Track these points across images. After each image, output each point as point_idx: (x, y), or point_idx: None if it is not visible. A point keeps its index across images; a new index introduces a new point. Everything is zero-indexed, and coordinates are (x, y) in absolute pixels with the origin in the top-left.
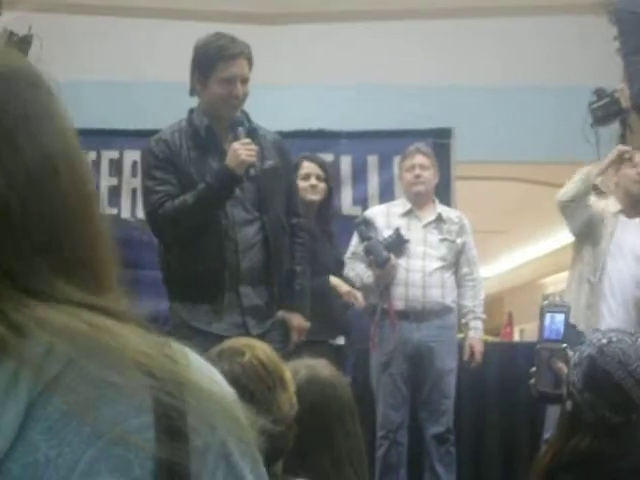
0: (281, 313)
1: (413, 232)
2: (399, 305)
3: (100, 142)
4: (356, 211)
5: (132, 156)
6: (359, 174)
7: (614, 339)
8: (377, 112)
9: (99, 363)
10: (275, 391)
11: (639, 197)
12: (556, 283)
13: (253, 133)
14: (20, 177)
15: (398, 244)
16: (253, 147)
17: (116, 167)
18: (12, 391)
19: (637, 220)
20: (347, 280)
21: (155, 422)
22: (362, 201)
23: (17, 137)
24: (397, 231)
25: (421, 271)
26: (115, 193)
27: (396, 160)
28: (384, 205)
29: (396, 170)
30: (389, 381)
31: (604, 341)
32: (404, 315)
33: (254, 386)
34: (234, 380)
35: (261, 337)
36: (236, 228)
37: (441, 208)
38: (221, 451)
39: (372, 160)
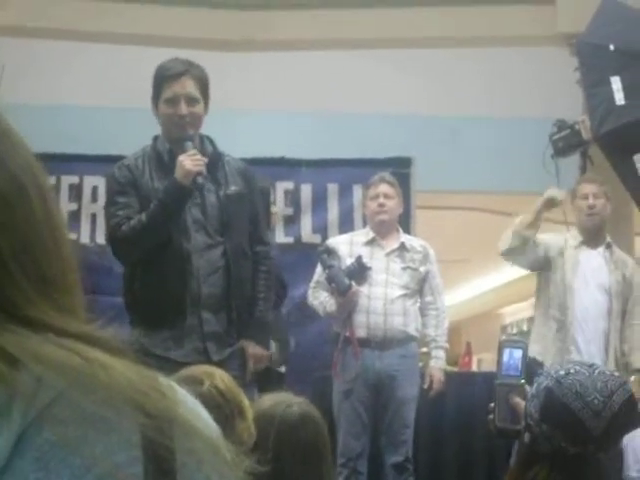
0: (241, 342)
1: (376, 260)
2: (361, 333)
3: (60, 167)
4: (316, 239)
5: (92, 181)
6: (319, 202)
7: (572, 371)
8: (338, 141)
9: (90, 397)
10: (234, 421)
11: (593, 229)
12: (514, 313)
13: (217, 158)
14: None
15: (360, 271)
16: (199, 157)
17: (76, 192)
18: (4, 420)
19: (600, 249)
20: (310, 308)
21: (143, 458)
22: (322, 229)
23: None
24: (359, 259)
25: (383, 299)
26: (74, 218)
27: (356, 188)
28: (348, 234)
29: (356, 198)
30: (350, 409)
31: (562, 372)
32: (366, 343)
33: (213, 415)
34: None
35: (221, 364)
36: (198, 253)
37: (405, 237)
38: None
39: (332, 188)
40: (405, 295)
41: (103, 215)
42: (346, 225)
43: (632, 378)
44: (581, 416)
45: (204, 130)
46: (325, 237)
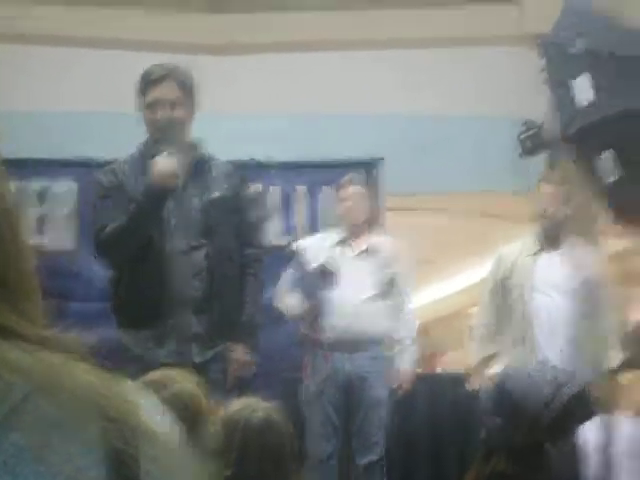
0: (228, 344)
1: (344, 262)
2: (330, 335)
3: (27, 172)
4: (284, 241)
5: (60, 186)
6: (288, 204)
7: (522, 367)
8: (306, 142)
9: (54, 402)
10: (198, 424)
11: (548, 233)
12: None
13: (203, 162)
14: None
15: (325, 276)
16: (171, 159)
17: (42, 197)
18: None
19: (559, 252)
20: (277, 311)
21: (105, 461)
22: (290, 231)
23: None
24: (322, 265)
25: (351, 300)
26: (41, 223)
27: (325, 190)
28: (316, 236)
29: (325, 200)
30: (321, 411)
31: (511, 369)
32: (335, 346)
33: (175, 421)
34: None
35: (202, 366)
36: (179, 256)
37: (374, 238)
38: None
39: (301, 190)
40: (374, 296)
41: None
42: (315, 227)
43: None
44: (529, 408)
45: None
46: (294, 239)
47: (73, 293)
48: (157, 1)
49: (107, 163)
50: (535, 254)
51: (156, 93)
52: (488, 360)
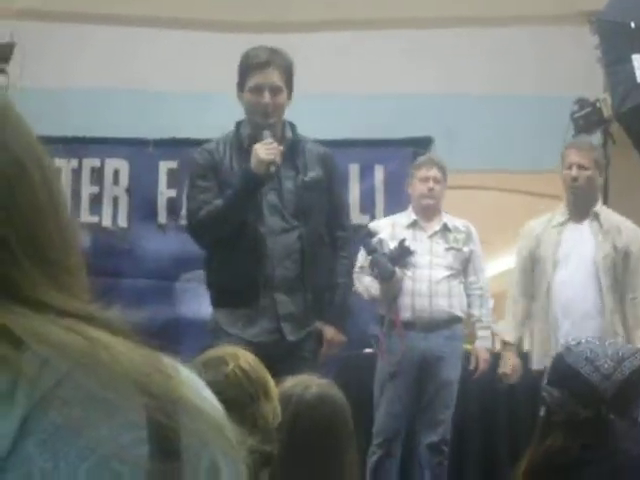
0: (318, 324)
1: (419, 242)
2: (406, 315)
3: (81, 150)
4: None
5: (113, 164)
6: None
7: (583, 341)
8: (357, 121)
9: (94, 378)
10: (259, 401)
11: (576, 203)
12: None
13: (296, 144)
14: (1, 188)
15: (403, 256)
16: (274, 146)
17: (97, 175)
18: (8, 402)
19: (586, 222)
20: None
21: (149, 439)
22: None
23: None
24: (402, 243)
25: (428, 280)
26: (96, 201)
27: (377, 168)
28: (389, 217)
29: (377, 179)
30: (393, 391)
31: (573, 343)
32: (411, 325)
33: (237, 396)
34: (217, 390)
35: (296, 344)
36: (273, 237)
37: (447, 218)
38: (211, 467)
39: (353, 169)
40: (450, 276)
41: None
42: (368, 205)
43: None
44: (591, 379)
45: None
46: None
47: (125, 270)
48: None
49: (158, 141)
50: (562, 225)
51: (260, 78)
52: (523, 337)
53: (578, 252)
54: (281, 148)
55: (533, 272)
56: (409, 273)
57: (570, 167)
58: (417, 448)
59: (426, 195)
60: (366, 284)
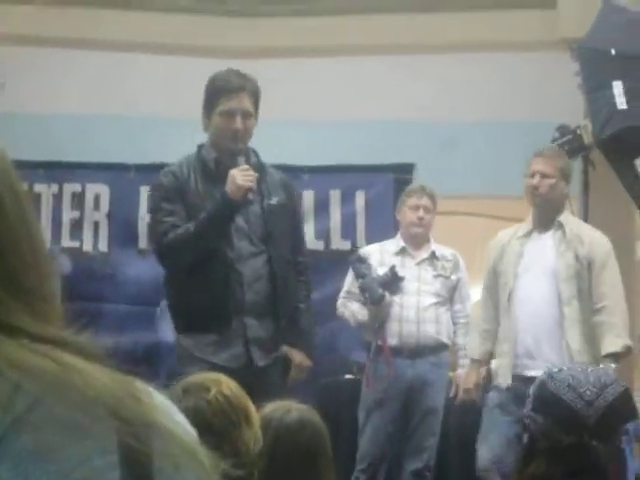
0: (285, 349)
1: (407, 269)
2: (393, 341)
3: (62, 175)
4: (318, 246)
5: (94, 189)
6: (321, 208)
7: (565, 368)
8: (339, 147)
9: (66, 403)
10: (240, 427)
11: (538, 211)
12: None
13: (261, 169)
14: None
15: (393, 281)
16: (251, 173)
17: (78, 200)
18: None
19: (550, 233)
20: (341, 319)
21: (120, 463)
22: (324, 235)
23: None
24: (392, 269)
25: (415, 307)
26: (77, 226)
27: (358, 194)
28: (377, 243)
29: (358, 204)
30: (379, 418)
31: (555, 370)
32: (398, 351)
33: (219, 422)
34: (199, 416)
35: (265, 370)
36: (242, 261)
37: (435, 246)
38: None
39: (334, 194)
40: (437, 303)
41: (149, 223)
42: (349, 231)
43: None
44: (574, 406)
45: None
46: (328, 243)
47: (106, 295)
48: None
49: (139, 166)
50: (525, 236)
51: (234, 103)
52: (490, 353)
53: (539, 263)
54: (257, 175)
55: (497, 286)
56: (397, 299)
57: (533, 175)
58: (401, 474)
59: (416, 224)
60: (353, 309)
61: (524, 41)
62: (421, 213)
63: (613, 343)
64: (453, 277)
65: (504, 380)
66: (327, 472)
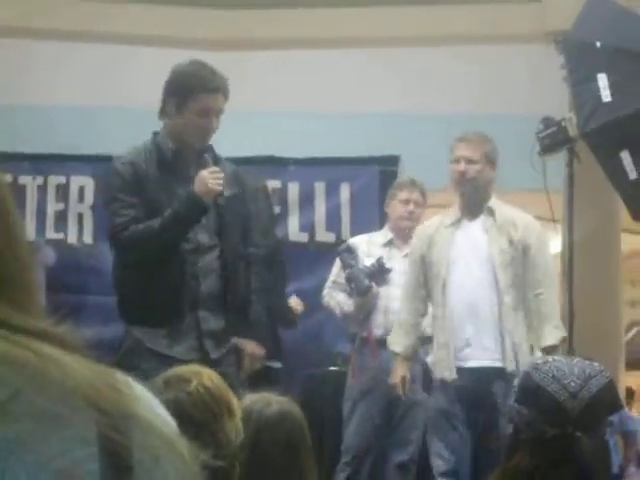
0: (235, 340)
1: (394, 261)
2: (379, 332)
3: (47, 167)
4: (303, 237)
5: (79, 181)
6: (306, 201)
7: (549, 359)
8: (325, 139)
9: (45, 394)
10: (222, 419)
11: (465, 198)
12: None
13: (218, 162)
14: None
15: (380, 273)
16: (221, 175)
17: (62, 192)
18: None
19: (480, 219)
20: (326, 308)
21: (100, 455)
22: (309, 228)
23: None
24: (380, 260)
25: (399, 299)
26: (61, 218)
27: (343, 187)
28: (365, 234)
29: (343, 197)
30: (365, 409)
31: (540, 361)
32: (383, 343)
33: (200, 414)
34: (180, 408)
35: (219, 361)
36: (198, 254)
37: None
38: None
39: (319, 187)
40: None
41: (105, 210)
42: (333, 224)
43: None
44: (558, 397)
45: None
46: (312, 236)
47: (92, 287)
48: None
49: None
50: (454, 224)
51: (209, 102)
52: (414, 347)
53: (472, 251)
54: (222, 175)
55: (425, 277)
56: (383, 291)
57: (458, 161)
58: (385, 467)
59: (405, 217)
60: (339, 300)
61: (510, 34)
62: (411, 207)
63: (552, 335)
64: None
65: (449, 374)
66: (308, 463)
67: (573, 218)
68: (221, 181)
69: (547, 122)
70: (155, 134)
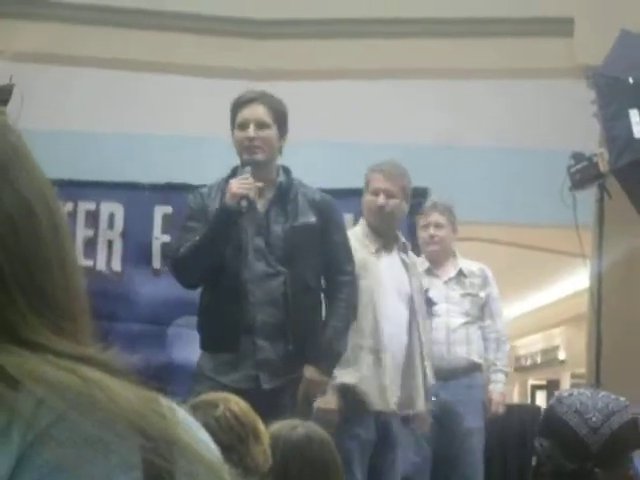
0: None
1: (434, 289)
2: None
3: (77, 193)
4: None
5: (109, 208)
6: None
7: (575, 392)
8: (352, 170)
9: (90, 419)
10: (248, 443)
11: (383, 229)
12: (528, 345)
13: (288, 188)
14: (4, 229)
15: (425, 305)
16: (250, 181)
17: (92, 218)
18: (4, 441)
19: (395, 252)
20: None
21: (144, 479)
22: None
23: None
24: (424, 292)
25: (445, 328)
26: (91, 245)
27: None
28: None
29: None
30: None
31: (565, 394)
32: None
33: (227, 438)
34: (208, 432)
35: (273, 392)
36: (256, 282)
37: (462, 262)
38: None
39: (348, 218)
40: (467, 323)
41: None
42: None
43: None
44: (579, 431)
45: None
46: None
47: (119, 314)
48: (211, 29)
49: (153, 186)
50: (377, 253)
51: (245, 113)
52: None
53: (396, 287)
54: (259, 185)
55: None
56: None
57: (376, 193)
58: None
59: (428, 242)
60: None
61: (541, 68)
62: (432, 231)
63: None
64: (482, 294)
65: (386, 406)
66: None
67: (603, 253)
68: (248, 186)
69: (578, 157)
70: (235, 167)
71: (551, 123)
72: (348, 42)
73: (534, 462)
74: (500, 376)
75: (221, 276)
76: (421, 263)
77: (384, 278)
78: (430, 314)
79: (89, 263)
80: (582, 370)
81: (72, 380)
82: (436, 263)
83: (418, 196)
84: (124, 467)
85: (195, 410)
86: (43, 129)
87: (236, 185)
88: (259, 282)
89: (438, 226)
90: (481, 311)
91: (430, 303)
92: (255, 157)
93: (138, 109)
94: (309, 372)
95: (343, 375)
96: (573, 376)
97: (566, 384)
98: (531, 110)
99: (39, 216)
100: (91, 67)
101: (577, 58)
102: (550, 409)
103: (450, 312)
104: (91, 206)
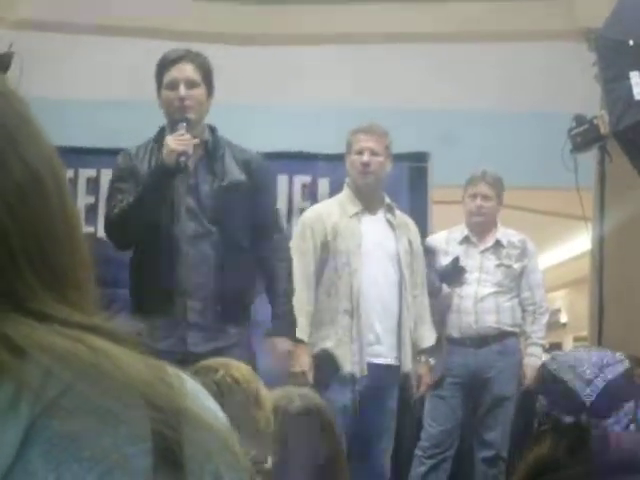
0: (266, 334)
1: (470, 259)
2: (454, 333)
3: (77, 160)
4: None
5: (109, 175)
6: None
7: (570, 350)
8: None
9: (98, 389)
10: (249, 408)
11: (368, 191)
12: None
13: (216, 146)
14: (13, 198)
15: (455, 273)
16: (187, 137)
17: (93, 186)
18: (12, 413)
19: (380, 214)
20: None
21: (153, 450)
22: None
23: (7, 158)
24: (455, 260)
25: (473, 297)
26: (92, 212)
27: None
28: (444, 231)
29: None
30: (446, 406)
31: (560, 352)
32: (460, 342)
33: (226, 402)
34: None
35: (204, 356)
36: (188, 242)
37: (502, 232)
38: (215, 478)
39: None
40: (497, 292)
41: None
42: None
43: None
44: (572, 385)
45: (222, 124)
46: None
47: (121, 280)
48: None
49: None
50: (358, 215)
51: (174, 72)
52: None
53: (380, 246)
54: (196, 140)
55: (326, 264)
56: (457, 290)
57: (361, 152)
58: (472, 462)
59: (474, 213)
60: None
61: (541, 30)
62: (479, 201)
63: (427, 337)
64: (516, 265)
65: (360, 370)
66: (338, 454)
67: (604, 216)
68: (185, 142)
69: (579, 120)
70: (162, 127)
71: (552, 86)
72: (337, 7)
73: (535, 422)
74: (535, 349)
75: (154, 236)
76: (460, 231)
77: (366, 240)
78: (460, 283)
79: (90, 230)
80: (584, 333)
81: (80, 350)
82: (477, 233)
83: (418, 160)
84: (134, 438)
85: (195, 375)
86: (42, 96)
87: (174, 142)
88: (192, 242)
89: (486, 198)
90: (516, 282)
91: (460, 271)
92: (187, 116)
93: (135, 76)
94: (281, 344)
95: (319, 339)
96: (575, 339)
97: (568, 347)
98: (532, 73)
99: (48, 186)
100: (90, 34)
101: (578, 20)
102: (544, 367)
103: (481, 281)
104: (92, 173)
